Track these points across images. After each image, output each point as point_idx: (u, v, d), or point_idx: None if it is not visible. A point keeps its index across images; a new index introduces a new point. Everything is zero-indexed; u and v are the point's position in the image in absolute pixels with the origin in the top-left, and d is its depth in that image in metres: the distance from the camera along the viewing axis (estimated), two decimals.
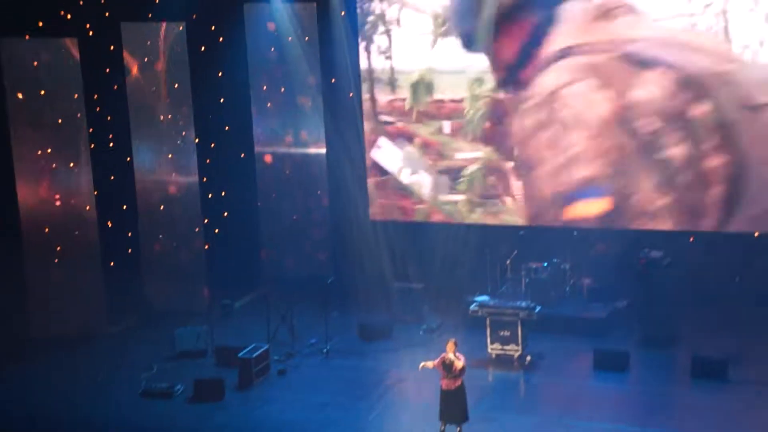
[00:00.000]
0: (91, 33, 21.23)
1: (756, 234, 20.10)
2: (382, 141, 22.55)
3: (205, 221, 22.37)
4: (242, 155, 23.25)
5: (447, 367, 15.17)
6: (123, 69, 21.60)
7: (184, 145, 22.03)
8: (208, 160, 22.54)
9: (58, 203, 21.01)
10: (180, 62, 21.72)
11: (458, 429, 15.41)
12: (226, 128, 22.94)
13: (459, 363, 15.17)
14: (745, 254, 19.90)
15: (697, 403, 17.11)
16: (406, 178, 22.45)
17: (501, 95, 21.26)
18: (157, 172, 22.12)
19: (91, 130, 21.08)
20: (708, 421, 16.38)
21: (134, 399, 18.06)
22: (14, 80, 20.56)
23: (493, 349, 18.86)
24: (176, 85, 21.81)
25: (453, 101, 21.77)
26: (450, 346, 15.23)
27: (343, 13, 22.22)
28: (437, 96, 21.86)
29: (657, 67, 19.64)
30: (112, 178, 21.87)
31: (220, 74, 22.58)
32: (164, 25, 21.61)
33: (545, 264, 21.07)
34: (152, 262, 22.29)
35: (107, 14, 21.43)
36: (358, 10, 22.07)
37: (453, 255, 21.80)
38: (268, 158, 23.23)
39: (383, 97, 22.35)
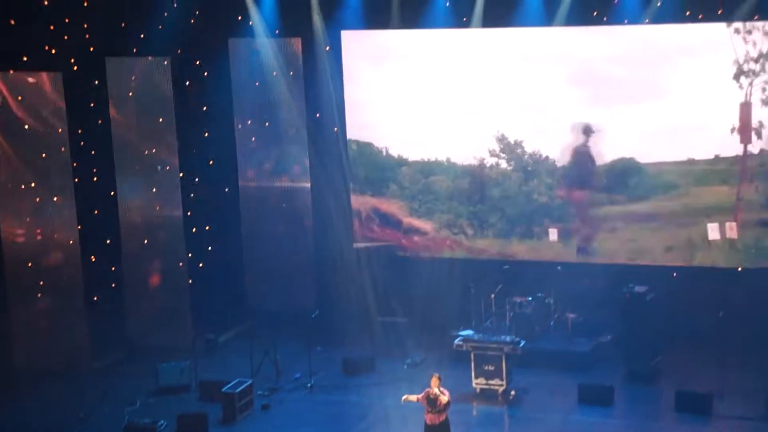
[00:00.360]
0: (75, 68, 21.21)
1: (739, 269, 20.20)
2: None
3: (189, 255, 22.31)
4: (227, 189, 23.23)
5: (431, 401, 15.13)
6: (107, 103, 21.59)
7: (168, 180, 21.99)
8: (192, 195, 22.50)
9: (40, 237, 20.90)
10: (164, 96, 21.72)
11: None
12: (210, 162, 22.94)
13: (443, 398, 15.12)
14: (728, 289, 19.94)
15: None
16: None
17: None
18: (141, 206, 22.05)
19: (75, 164, 21.02)
20: None
21: None
22: None
23: (478, 383, 18.83)
24: (160, 120, 21.80)
25: None
26: (434, 380, 15.20)
27: (327, 48, 22.31)
28: None
29: None
30: (96, 212, 21.76)
31: (204, 109, 22.60)
32: (137, 60, 21.65)
33: (530, 298, 21.07)
34: (136, 297, 22.19)
35: (92, 49, 21.40)
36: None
37: (437, 289, 21.77)
38: (250, 173, 23.24)
39: None
